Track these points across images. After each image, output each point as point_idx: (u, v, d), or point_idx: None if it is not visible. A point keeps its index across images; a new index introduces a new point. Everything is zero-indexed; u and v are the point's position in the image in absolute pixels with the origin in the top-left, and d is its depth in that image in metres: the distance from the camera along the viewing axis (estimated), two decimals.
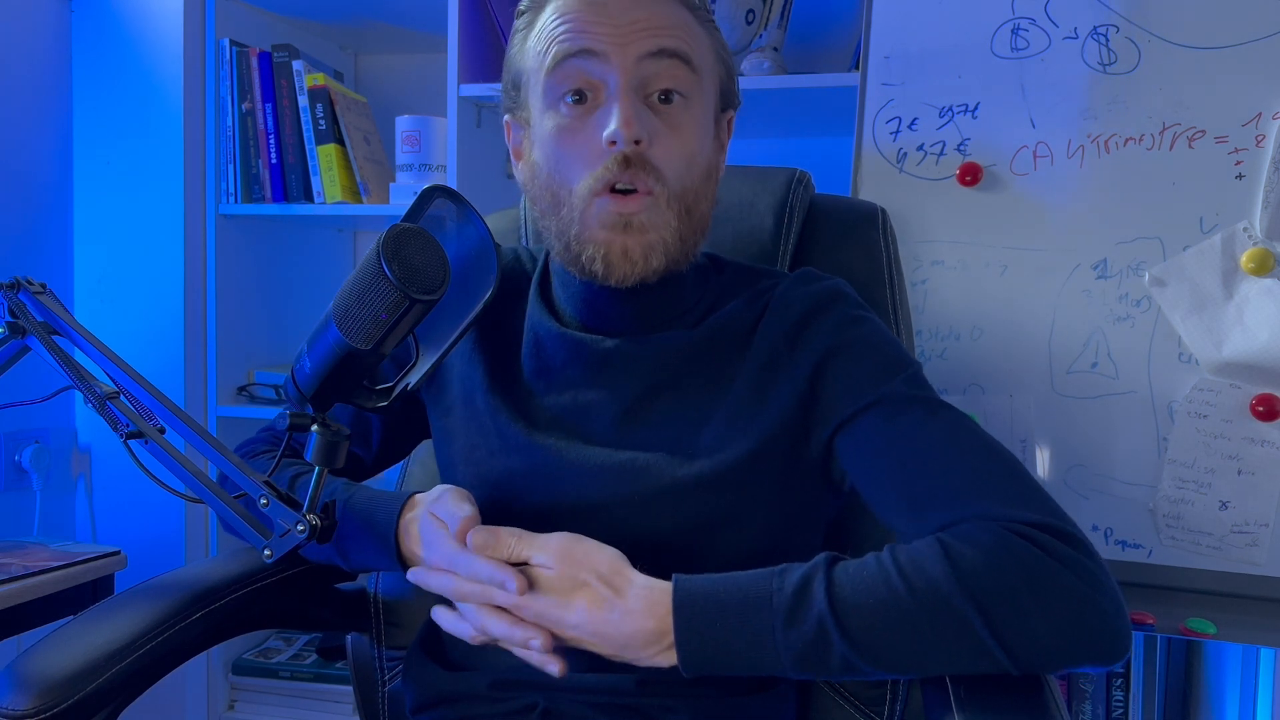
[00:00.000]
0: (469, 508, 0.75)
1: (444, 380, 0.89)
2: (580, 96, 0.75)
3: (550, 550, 0.71)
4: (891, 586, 0.64)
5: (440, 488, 0.79)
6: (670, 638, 0.67)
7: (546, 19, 0.77)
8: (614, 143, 0.73)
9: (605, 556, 0.71)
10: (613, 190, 0.75)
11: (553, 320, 0.84)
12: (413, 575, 0.77)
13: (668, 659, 0.68)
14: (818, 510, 0.83)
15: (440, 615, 0.77)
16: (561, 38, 0.75)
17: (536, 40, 0.78)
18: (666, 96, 0.75)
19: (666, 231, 0.76)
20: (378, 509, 0.81)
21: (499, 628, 0.71)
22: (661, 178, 0.75)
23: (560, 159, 0.77)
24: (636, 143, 0.73)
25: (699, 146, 0.78)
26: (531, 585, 0.70)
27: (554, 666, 0.70)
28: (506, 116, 0.84)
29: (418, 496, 0.80)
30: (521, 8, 0.80)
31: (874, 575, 0.65)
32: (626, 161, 0.74)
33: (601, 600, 0.68)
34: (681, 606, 0.67)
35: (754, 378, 0.79)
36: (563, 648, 0.71)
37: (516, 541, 0.72)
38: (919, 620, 0.63)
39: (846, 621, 0.63)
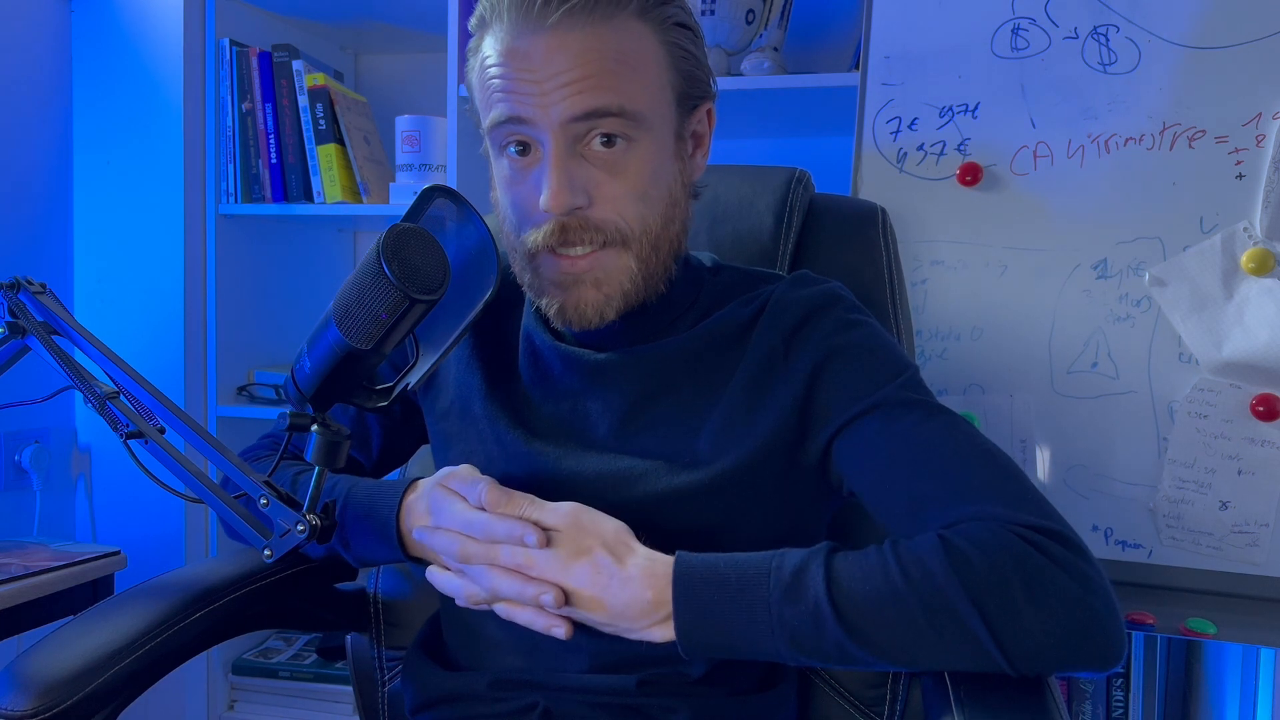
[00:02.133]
0: (487, 479, 0.75)
1: (441, 385, 0.89)
2: (523, 148, 0.75)
3: (559, 516, 0.72)
4: (889, 576, 0.64)
5: (448, 468, 0.78)
6: (666, 609, 0.67)
7: (484, 55, 0.75)
8: (548, 213, 0.73)
9: (612, 526, 0.71)
10: (557, 250, 0.75)
11: (546, 333, 0.84)
12: (418, 534, 0.76)
13: (663, 632, 0.68)
14: (816, 514, 0.83)
15: (435, 575, 0.76)
16: (493, 98, 0.74)
17: (479, 79, 0.76)
18: (608, 140, 0.73)
19: (624, 278, 0.75)
20: (380, 494, 0.81)
21: (509, 586, 0.70)
22: (611, 229, 0.74)
23: (510, 208, 0.78)
24: (577, 208, 0.73)
25: (651, 179, 0.75)
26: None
27: (560, 629, 0.70)
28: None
29: (420, 481, 0.80)
30: (471, 25, 0.78)
31: (873, 564, 0.65)
32: (564, 228, 0.73)
33: (601, 566, 0.69)
34: (681, 578, 0.67)
35: (750, 382, 0.79)
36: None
37: (529, 504, 0.73)
38: (914, 610, 0.63)
39: (842, 605, 0.64)
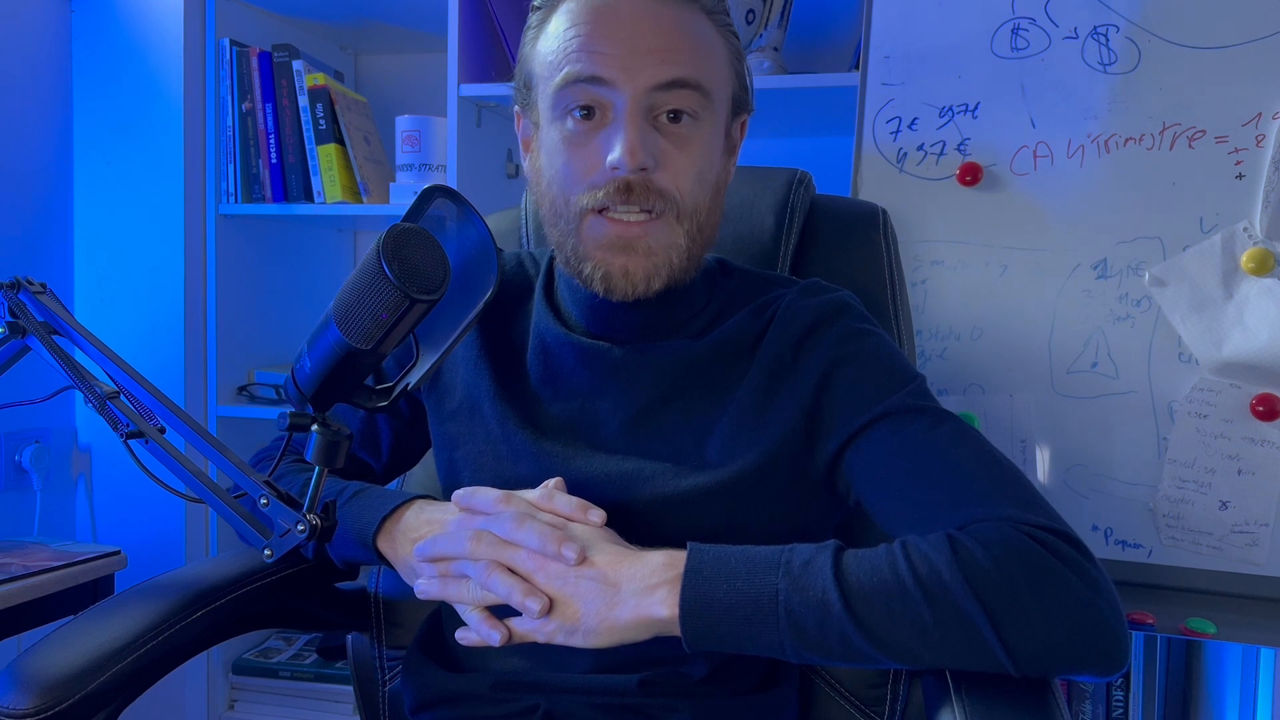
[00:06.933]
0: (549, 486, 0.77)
1: (448, 385, 0.89)
2: (588, 112, 0.75)
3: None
4: (897, 569, 0.64)
5: (464, 490, 0.79)
6: (675, 577, 0.67)
7: (559, 24, 0.76)
8: (617, 168, 0.73)
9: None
10: (610, 213, 0.75)
11: (559, 325, 0.84)
12: (419, 549, 0.76)
13: (666, 607, 0.67)
14: (821, 521, 0.83)
15: (421, 585, 0.76)
16: (571, 58, 0.74)
17: (548, 47, 0.77)
18: (676, 116, 0.75)
19: (674, 252, 0.76)
20: (375, 499, 0.81)
21: (501, 585, 0.70)
22: (670, 199, 0.75)
23: (564, 171, 0.77)
24: (643, 169, 0.73)
25: (709, 162, 0.78)
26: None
27: (496, 636, 0.71)
28: (517, 107, 0.84)
29: (422, 501, 0.81)
30: (536, 3, 0.79)
31: (882, 560, 0.65)
32: (629, 187, 0.74)
33: (624, 550, 0.70)
34: (693, 561, 0.68)
35: (759, 389, 0.79)
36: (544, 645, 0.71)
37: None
38: (921, 606, 0.63)
39: (849, 594, 0.64)
